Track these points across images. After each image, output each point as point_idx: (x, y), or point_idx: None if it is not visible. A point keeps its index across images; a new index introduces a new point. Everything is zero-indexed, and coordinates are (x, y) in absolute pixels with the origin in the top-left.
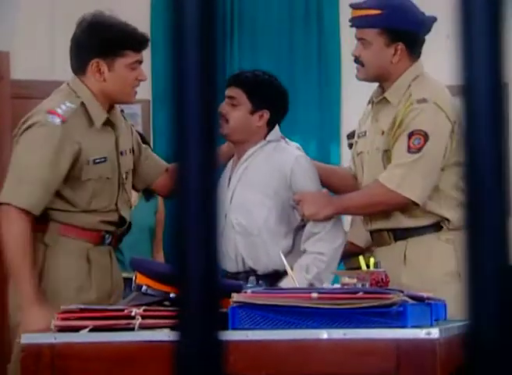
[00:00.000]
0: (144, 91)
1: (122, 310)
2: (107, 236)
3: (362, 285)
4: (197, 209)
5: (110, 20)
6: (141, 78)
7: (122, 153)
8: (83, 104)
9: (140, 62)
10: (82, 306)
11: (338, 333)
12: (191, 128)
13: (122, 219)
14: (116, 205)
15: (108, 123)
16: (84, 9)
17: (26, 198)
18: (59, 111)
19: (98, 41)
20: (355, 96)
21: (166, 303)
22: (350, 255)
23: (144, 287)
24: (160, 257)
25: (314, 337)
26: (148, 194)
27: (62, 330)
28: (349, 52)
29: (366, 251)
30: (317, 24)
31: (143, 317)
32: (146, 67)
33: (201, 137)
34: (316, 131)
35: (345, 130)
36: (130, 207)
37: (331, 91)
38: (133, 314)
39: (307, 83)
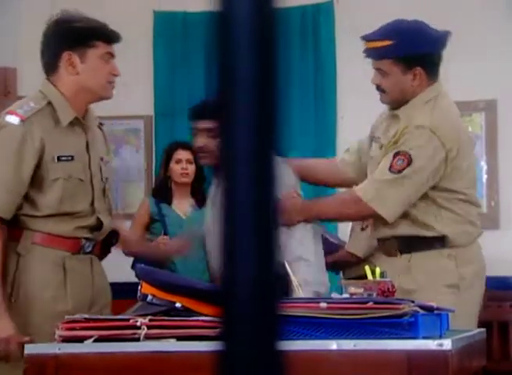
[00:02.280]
0: (147, 107)
1: (128, 320)
2: (87, 244)
3: (369, 295)
4: (249, 216)
5: (78, 15)
6: (115, 72)
7: (102, 159)
8: (49, 104)
9: (111, 54)
10: (86, 316)
11: (348, 344)
12: (242, 132)
13: (100, 224)
14: (93, 206)
15: (78, 125)
16: None
17: None
18: (19, 111)
19: (67, 32)
20: (350, 109)
21: (172, 313)
22: (349, 265)
23: (150, 297)
24: None
25: (324, 348)
26: (201, 201)
27: (66, 340)
28: (345, 68)
29: (365, 261)
30: (313, 40)
31: (148, 327)
32: (148, 83)
33: (256, 147)
34: (312, 147)
35: (341, 147)
36: (111, 214)
37: (327, 107)
38: (138, 324)
39: (303, 100)
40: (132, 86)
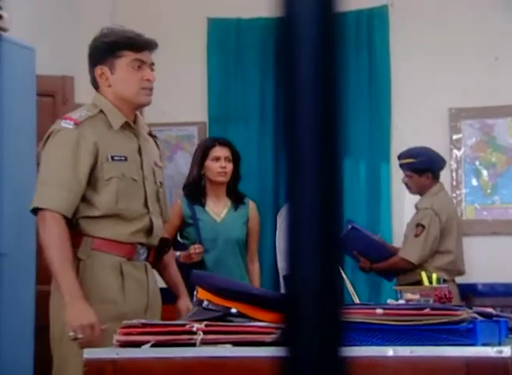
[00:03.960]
0: (201, 113)
1: (184, 325)
2: (141, 250)
3: (426, 301)
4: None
5: (109, 30)
6: (147, 78)
7: (156, 163)
8: (101, 111)
9: (142, 61)
10: (144, 321)
11: (404, 351)
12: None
13: (152, 227)
14: (147, 207)
15: (129, 130)
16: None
17: (53, 199)
18: (74, 117)
19: (97, 49)
20: (405, 117)
21: (228, 318)
22: (402, 272)
23: (206, 302)
24: (255, 269)
25: (380, 354)
26: (236, 202)
27: (124, 345)
28: (399, 71)
29: (419, 267)
30: (367, 45)
31: (204, 332)
32: (202, 89)
33: (320, 155)
34: (366, 151)
35: (395, 149)
36: (164, 222)
37: (381, 111)
38: (194, 329)
39: (357, 103)
40: (186, 92)
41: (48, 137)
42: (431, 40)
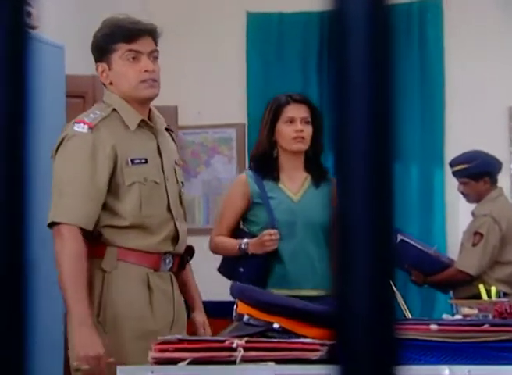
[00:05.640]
0: (240, 115)
1: (223, 341)
2: (168, 260)
3: (484, 316)
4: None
5: (106, 22)
6: (146, 68)
7: (176, 162)
8: (114, 110)
9: (137, 51)
10: (180, 336)
11: (462, 370)
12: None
13: (178, 234)
14: (170, 212)
15: (147, 127)
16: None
17: (72, 212)
18: (87, 119)
19: (92, 45)
20: (460, 117)
21: (270, 334)
22: (459, 284)
23: (246, 317)
24: None
25: (435, 373)
26: (318, 178)
27: (160, 362)
28: (453, 68)
29: (477, 279)
30: (419, 41)
31: (245, 349)
32: (241, 88)
33: (372, 154)
34: (417, 154)
35: (450, 152)
36: (185, 222)
37: (434, 112)
38: (234, 346)
39: (408, 102)
40: (223, 92)
41: (60, 143)
42: (489, 34)
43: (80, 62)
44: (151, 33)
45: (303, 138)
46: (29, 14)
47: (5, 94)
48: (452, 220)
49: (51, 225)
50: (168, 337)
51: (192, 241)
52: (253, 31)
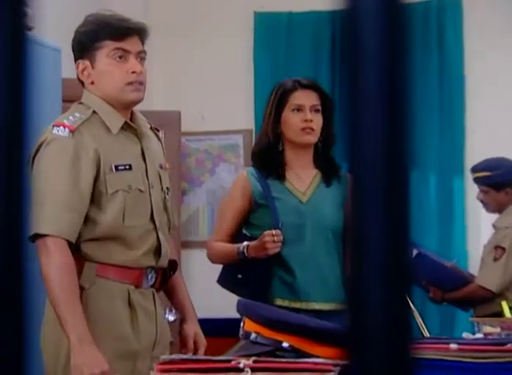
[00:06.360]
0: (247, 120)
1: (229, 361)
2: (150, 275)
3: (507, 335)
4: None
5: (91, 17)
6: (133, 69)
7: (161, 166)
8: (95, 112)
9: (124, 50)
10: (184, 356)
11: None
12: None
13: (160, 246)
14: (153, 221)
15: (130, 130)
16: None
17: (55, 223)
18: (67, 122)
19: (74, 40)
20: (482, 122)
21: (279, 353)
22: (480, 301)
23: (254, 335)
24: None
25: None
26: (329, 175)
27: None
28: (474, 70)
29: (499, 296)
30: (437, 41)
31: (253, 369)
32: (248, 92)
33: (387, 159)
34: (436, 162)
35: (470, 160)
36: (169, 229)
37: (454, 116)
38: (241, 366)
39: (426, 107)
40: (229, 96)
41: (38, 149)
42: (511, 34)
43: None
44: (140, 32)
45: (312, 129)
46: (27, 15)
47: (3, 97)
48: (473, 232)
49: (34, 237)
50: (172, 357)
51: (196, 254)
52: (261, 32)
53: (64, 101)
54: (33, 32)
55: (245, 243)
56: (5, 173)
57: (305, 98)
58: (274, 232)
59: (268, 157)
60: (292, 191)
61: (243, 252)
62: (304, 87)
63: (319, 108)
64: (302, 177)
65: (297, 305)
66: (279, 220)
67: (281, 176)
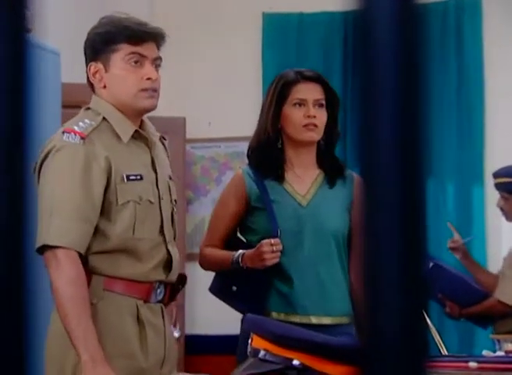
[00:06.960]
0: (255, 126)
1: None
2: (159, 290)
3: None
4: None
5: (106, 19)
6: (149, 76)
7: (170, 177)
8: (105, 119)
9: (141, 55)
10: None
11: None
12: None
13: (170, 258)
14: (163, 234)
15: (141, 139)
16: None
17: (66, 234)
18: (76, 128)
19: (88, 42)
20: (502, 128)
21: (289, 372)
22: (500, 317)
23: (262, 352)
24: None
25: None
26: (333, 175)
27: None
28: (495, 72)
29: None
30: (456, 42)
31: None
32: (256, 97)
33: (399, 163)
34: (454, 170)
35: (490, 167)
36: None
37: (473, 122)
38: None
39: (444, 111)
40: (236, 102)
41: (46, 156)
42: None
43: (77, 68)
44: (157, 38)
45: (315, 126)
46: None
47: (4, 101)
48: (493, 244)
49: (42, 249)
50: None
51: (200, 267)
52: (269, 34)
53: (63, 106)
54: (32, 34)
55: (240, 251)
56: (4, 172)
57: (308, 92)
58: (272, 241)
59: (267, 155)
60: (291, 194)
61: (238, 262)
62: (308, 79)
63: (323, 102)
64: (303, 178)
65: (294, 318)
66: (277, 227)
67: (280, 177)
